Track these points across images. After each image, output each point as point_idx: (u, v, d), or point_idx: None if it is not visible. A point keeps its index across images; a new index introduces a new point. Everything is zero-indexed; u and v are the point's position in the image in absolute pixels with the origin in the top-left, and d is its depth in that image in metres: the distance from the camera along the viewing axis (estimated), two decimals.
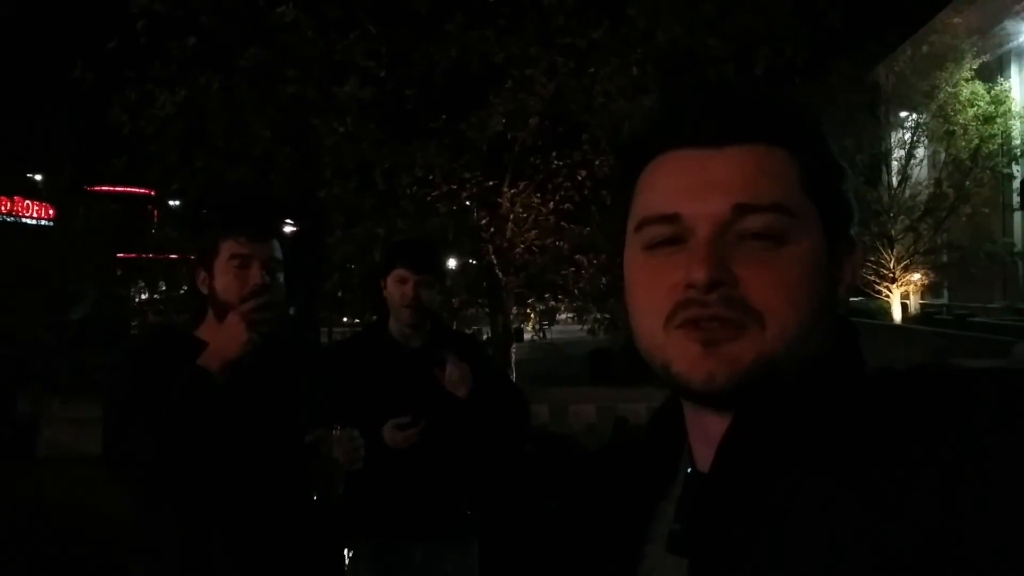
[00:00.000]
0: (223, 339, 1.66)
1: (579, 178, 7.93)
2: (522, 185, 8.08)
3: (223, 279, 1.76)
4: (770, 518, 0.55)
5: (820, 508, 0.53)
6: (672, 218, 0.61)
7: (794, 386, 0.59)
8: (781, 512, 0.55)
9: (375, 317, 2.64)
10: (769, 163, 0.61)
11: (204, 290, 1.81)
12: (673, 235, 0.61)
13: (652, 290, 0.62)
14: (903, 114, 18.30)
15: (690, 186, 0.61)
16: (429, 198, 7.70)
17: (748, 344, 0.58)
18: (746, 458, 0.59)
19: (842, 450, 0.55)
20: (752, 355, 0.58)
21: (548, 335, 10.94)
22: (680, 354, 0.60)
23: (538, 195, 8.17)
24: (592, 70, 7.27)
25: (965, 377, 0.56)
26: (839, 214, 0.64)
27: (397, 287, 2.41)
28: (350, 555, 2.43)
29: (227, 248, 1.77)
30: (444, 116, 7.35)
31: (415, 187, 7.60)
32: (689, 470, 0.67)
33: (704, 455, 0.63)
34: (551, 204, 8.17)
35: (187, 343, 1.78)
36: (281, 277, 1.82)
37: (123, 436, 1.61)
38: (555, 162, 7.98)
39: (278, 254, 1.82)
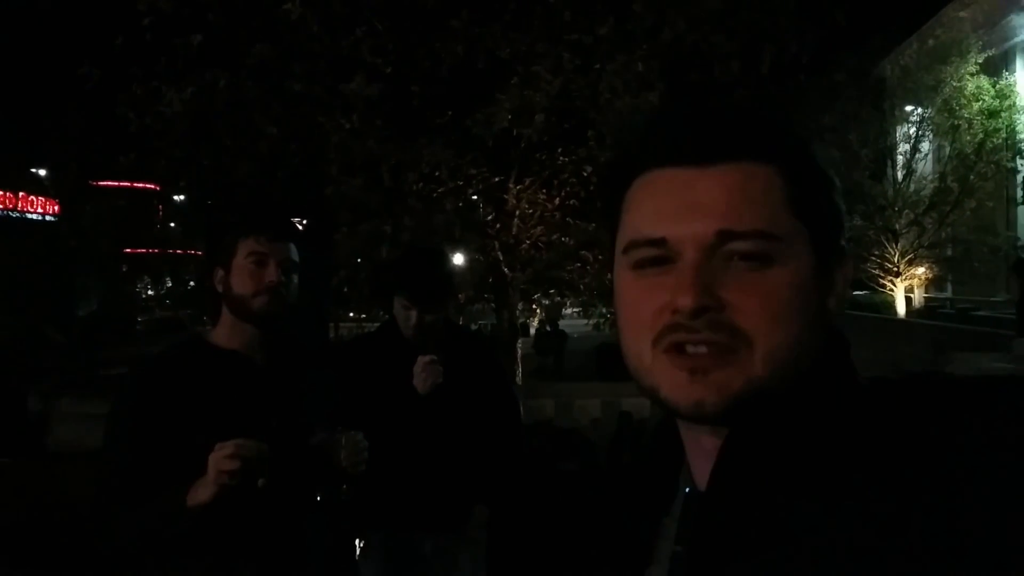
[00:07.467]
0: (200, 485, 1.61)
1: (585, 174, 7.95)
2: (528, 181, 8.10)
3: (239, 276, 1.79)
4: (769, 539, 0.55)
5: (819, 526, 0.53)
6: (659, 242, 0.61)
7: (784, 402, 0.59)
8: (780, 532, 0.54)
9: (383, 313, 2.67)
10: (754, 184, 0.60)
11: (220, 288, 1.83)
12: (660, 256, 0.61)
13: (640, 311, 0.62)
14: (908, 108, 18.26)
15: (675, 208, 0.61)
16: (435, 194, 7.72)
17: (737, 369, 0.58)
18: (742, 478, 0.59)
19: (838, 466, 0.54)
20: (741, 380, 0.58)
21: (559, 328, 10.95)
22: (667, 380, 0.60)
23: (544, 191, 8.20)
24: (598, 66, 7.28)
25: (958, 387, 0.57)
26: (829, 228, 0.63)
27: (402, 311, 2.45)
28: (360, 545, 2.47)
29: (246, 246, 1.80)
30: (450, 112, 7.36)
31: (421, 184, 7.62)
32: (688, 489, 0.67)
33: (701, 470, 0.63)
34: (557, 200, 8.20)
35: (199, 351, 1.80)
36: (296, 278, 1.85)
37: (111, 507, 1.71)
38: (561, 158, 8.00)
39: (295, 256, 1.85)
